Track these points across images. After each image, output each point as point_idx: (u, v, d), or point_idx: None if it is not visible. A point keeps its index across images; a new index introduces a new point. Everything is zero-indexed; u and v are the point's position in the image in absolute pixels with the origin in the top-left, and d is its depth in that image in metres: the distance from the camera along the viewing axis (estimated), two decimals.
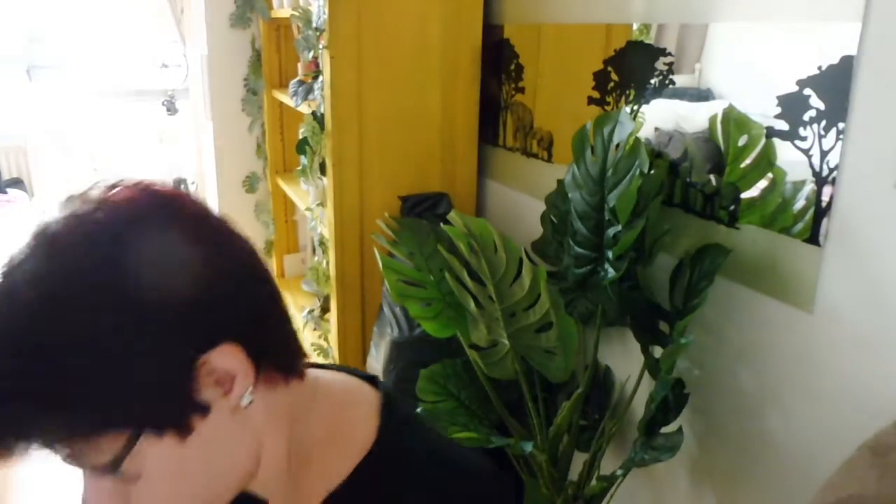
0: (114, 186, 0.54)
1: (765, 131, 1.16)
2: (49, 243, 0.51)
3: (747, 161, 1.20)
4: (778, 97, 1.13)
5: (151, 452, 0.51)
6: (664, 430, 1.28)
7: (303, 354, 0.63)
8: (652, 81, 1.39)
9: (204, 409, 0.53)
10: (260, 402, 0.58)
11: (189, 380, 0.52)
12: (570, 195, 1.36)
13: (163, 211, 0.54)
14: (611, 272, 1.28)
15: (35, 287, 0.49)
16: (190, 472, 0.54)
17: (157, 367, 0.50)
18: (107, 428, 0.50)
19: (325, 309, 2.35)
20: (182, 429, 0.52)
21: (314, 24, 1.90)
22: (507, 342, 1.36)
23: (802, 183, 1.11)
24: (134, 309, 0.49)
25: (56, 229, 0.52)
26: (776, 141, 1.14)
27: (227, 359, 0.53)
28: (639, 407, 1.42)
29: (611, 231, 1.29)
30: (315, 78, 1.99)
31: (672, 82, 1.36)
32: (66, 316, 0.48)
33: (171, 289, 0.50)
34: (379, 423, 0.64)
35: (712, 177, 1.28)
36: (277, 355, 0.59)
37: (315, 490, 0.63)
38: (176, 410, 0.52)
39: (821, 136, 1.07)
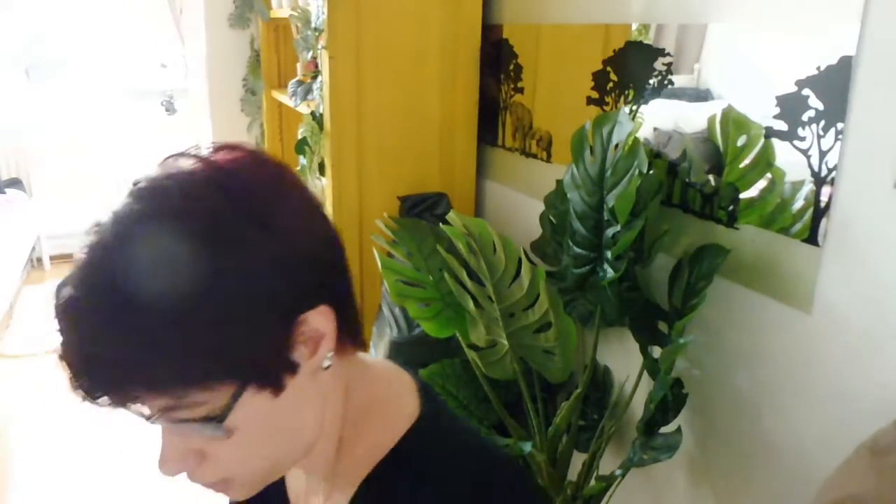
0: (219, 149, 0.55)
1: (763, 131, 1.16)
2: (181, 193, 0.50)
3: (746, 161, 1.20)
4: (777, 97, 1.13)
5: (247, 408, 0.51)
6: (663, 430, 1.28)
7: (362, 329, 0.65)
8: (651, 81, 1.39)
9: (294, 368, 0.54)
10: (333, 368, 0.58)
11: (289, 335, 0.53)
12: (568, 195, 1.36)
13: (280, 172, 0.56)
14: (610, 272, 1.28)
15: (168, 233, 0.48)
16: (272, 431, 0.55)
17: (270, 319, 0.51)
18: (220, 378, 0.50)
19: None
20: (277, 386, 0.53)
21: (313, 25, 1.90)
22: (505, 342, 1.36)
23: (801, 183, 1.11)
24: (259, 261, 0.50)
25: (182, 178, 0.51)
26: (775, 141, 1.14)
27: (321, 319, 0.54)
28: (638, 407, 1.42)
29: (610, 231, 1.29)
30: (314, 78, 1.99)
31: (671, 82, 1.36)
32: (197, 263, 0.48)
33: (295, 244, 0.52)
34: (420, 402, 0.65)
35: (711, 177, 1.28)
36: (351, 323, 0.60)
37: (357, 462, 0.63)
38: (276, 366, 0.52)
39: (819, 137, 1.07)
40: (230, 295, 0.48)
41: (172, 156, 0.54)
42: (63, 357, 0.50)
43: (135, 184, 0.52)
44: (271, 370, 0.52)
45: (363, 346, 0.64)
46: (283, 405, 0.54)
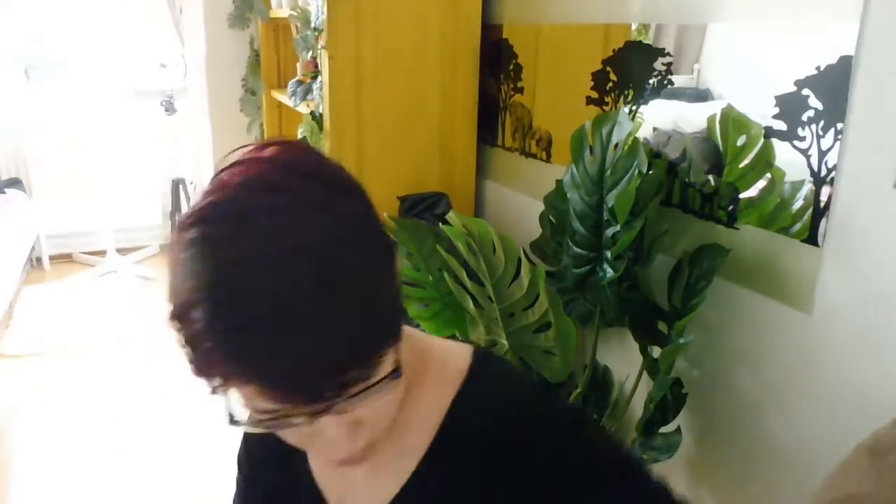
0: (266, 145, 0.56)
1: (763, 131, 1.16)
2: (331, 184, 0.54)
3: (746, 161, 1.20)
4: (776, 97, 1.13)
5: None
6: (663, 430, 1.28)
7: None
8: (650, 81, 1.39)
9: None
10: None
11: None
12: (568, 195, 1.36)
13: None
14: (609, 272, 1.28)
15: (321, 214, 0.50)
16: (395, 396, 0.57)
17: (398, 287, 0.55)
18: (397, 334, 0.53)
19: None
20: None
21: (313, 25, 1.90)
22: (505, 342, 1.36)
23: (801, 183, 1.11)
24: (387, 237, 0.55)
25: (307, 164, 0.54)
26: (775, 141, 1.14)
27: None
28: (637, 407, 1.42)
29: (609, 231, 1.29)
30: (314, 78, 1.99)
31: (670, 82, 1.36)
32: (355, 239, 0.51)
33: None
34: (472, 353, 0.66)
35: (711, 177, 1.28)
36: None
37: (419, 415, 0.63)
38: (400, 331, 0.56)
39: (819, 137, 1.07)
40: (383, 272, 0.53)
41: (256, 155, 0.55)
42: (263, 371, 0.48)
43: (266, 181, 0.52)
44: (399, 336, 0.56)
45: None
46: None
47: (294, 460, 0.70)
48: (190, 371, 0.51)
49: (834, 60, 1.04)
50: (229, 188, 0.51)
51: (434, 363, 0.65)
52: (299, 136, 2.02)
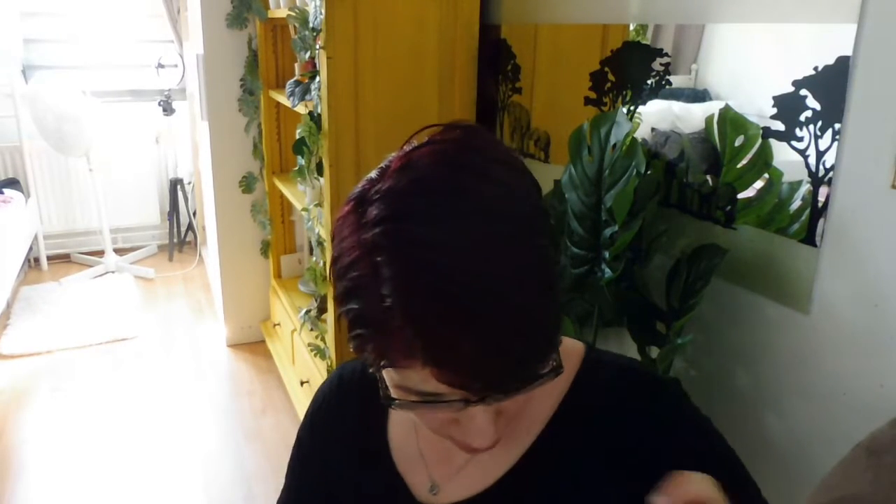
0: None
1: (761, 132, 1.16)
2: (512, 168, 0.53)
3: (744, 161, 1.20)
4: (774, 97, 1.13)
5: None
6: None
7: None
8: (648, 82, 1.39)
9: None
10: None
11: None
12: (566, 195, 1.36)
13: None
14: (607, 272, 1.28)
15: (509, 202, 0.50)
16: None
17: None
18: (560, 337, 0.54)
19: (322, 309, 2.35)
20: None
21: (311, 25, 1.89)
22: None
23: (799, 183, 1.11)
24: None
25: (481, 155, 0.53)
26: (772, 141, 1.15)
27: None
28: None
29: (607, 231, 1.29)
30: (312, 78, 1.99)
31: (669, 83, 1.36)
32: (546, 226, 0.53)
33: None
34: (583, 345, 0.70)
35: (709, 177, 1.28)
36: None
37: (533, 405, 0.65)
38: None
39: (817, 137, 1.07)
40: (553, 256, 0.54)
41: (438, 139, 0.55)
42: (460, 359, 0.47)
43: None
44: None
45: None
46: None
47: (371, 447, 0.71)
48: (352, 347, 0.51)
49: (832, 61, 1.04)
50: (423, 167, 0.50)
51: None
52: (297, 137, 2.01)
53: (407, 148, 0.54)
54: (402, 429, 0.71)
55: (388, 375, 0.52)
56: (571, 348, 0.69)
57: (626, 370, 0.69)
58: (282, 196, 2.92)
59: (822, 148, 1.07)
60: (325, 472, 0.75)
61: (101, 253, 4.21)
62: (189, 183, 4.44)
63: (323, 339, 2.27)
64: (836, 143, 1.05)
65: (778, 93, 1.12)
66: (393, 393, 0.53)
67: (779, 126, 1.13)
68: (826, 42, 1.05)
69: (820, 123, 1.06)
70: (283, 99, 2.39)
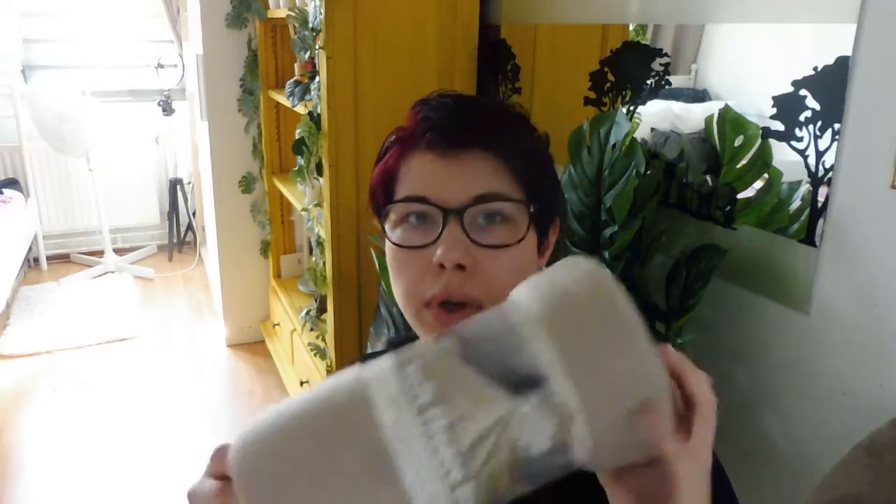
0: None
1: (761, 132, 1.16)
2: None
3: (743, 161, 1.20)
4: (774, 98, 1.13)
5: (528, 239, 0.67)
6: None
7: None
8: (648, 82, 1.39)
9: (548, 239, 0.74)
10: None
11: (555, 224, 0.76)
12: (566, 196, 1.36)
13: None
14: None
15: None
16: (521, 269, 0.65)
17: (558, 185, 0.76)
18: (544, 193, 0.70)
19: (321, 309, 2.35)
20: (542, 243, 0.73)
21: (310, 25, 1.89)
22: None
23: (798, 183, 1.11)
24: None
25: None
26: (772, 141, 1.15)
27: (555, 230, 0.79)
28: None
29: (607, 231, 1.29)
30: (311, 78, 1.99)
31: (668, 83, 1.36)
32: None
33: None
34: None
35: (708, 177, 1.28)
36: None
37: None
38: (547, 231, 0.74)
39: (817, 137, 1.07)
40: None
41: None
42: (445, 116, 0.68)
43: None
44: (547, 231, 0.71)
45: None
46: (532, 262, 0.68)
47: None
48: (381, 153, 0.76)
49: (831, 61, 1.04)
50: (443, 96, 0.70)
51: None
52: (297, 137, 2.01)
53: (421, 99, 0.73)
54: None
55: (392, 212, 0.67)
56: None
57: None
58: (281, 196, 2.92)
59: (821, 148, 1.07)
60: None
61: (100, 253, 4.21)
62: (189, 183, 4.44)
63: (323, 339, 2.26)
64: (835, 144, 1.05)
65: (777, 93, 1.12)
66: (392, 219, 0.67)
67: (778, 126, 1.13)
68: (826, 42, 1.05)
69: (819, 123, 1.06)
70: (282, 99, 2.38)
